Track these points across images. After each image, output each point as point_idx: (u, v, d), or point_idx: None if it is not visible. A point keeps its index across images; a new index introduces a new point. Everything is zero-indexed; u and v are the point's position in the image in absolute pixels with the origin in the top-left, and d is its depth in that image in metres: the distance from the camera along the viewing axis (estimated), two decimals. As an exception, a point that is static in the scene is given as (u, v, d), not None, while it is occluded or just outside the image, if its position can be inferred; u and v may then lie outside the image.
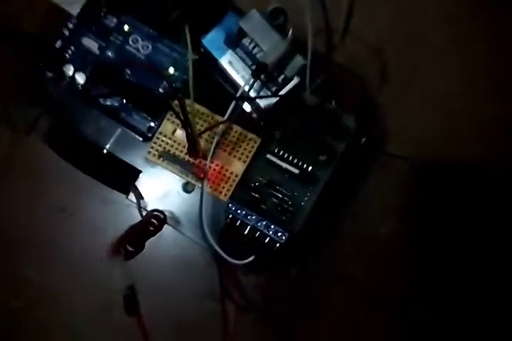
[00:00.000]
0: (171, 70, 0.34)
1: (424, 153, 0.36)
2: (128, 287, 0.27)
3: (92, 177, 0.34)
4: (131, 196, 0.34)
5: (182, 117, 0.28)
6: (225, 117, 0.32)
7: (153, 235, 0.32)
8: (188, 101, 0.28)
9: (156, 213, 0.33)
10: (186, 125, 0.28)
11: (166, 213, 0.33)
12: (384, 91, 0.37)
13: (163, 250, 0.37)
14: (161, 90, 0.34)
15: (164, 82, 0.33)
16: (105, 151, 0.34)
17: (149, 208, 0.34)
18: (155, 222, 0.32)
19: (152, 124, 0.34)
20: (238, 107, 0.32)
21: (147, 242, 0.33)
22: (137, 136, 0.34)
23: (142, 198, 0.34)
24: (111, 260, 0.27)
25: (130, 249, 0.30)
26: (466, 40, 0.37)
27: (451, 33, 0.37)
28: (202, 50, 0.33)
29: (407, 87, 0.37)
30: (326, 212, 0.34)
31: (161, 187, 0.34)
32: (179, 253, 0.36)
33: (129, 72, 0.34)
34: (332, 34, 0.36)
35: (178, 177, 0.34)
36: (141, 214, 0.33)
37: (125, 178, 0.34)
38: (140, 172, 0.34)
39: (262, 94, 0.32)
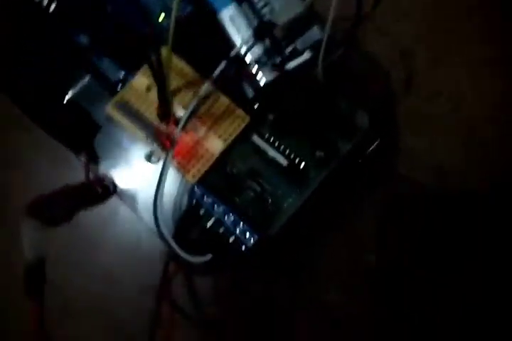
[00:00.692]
0: (161, 17, 0.27)
1: (437, 180, 0.31)
2: (35, 258, 0.22)
3: (44, 130, 0.29)
4: (83, 156, 0.28)
5: (155, 68, 0.23)
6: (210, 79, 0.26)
7: (91, 205, 0.27)
8: (164, 51, 0.23)
9: (102, 179, 0.27)
10: (158, 78, 0.23)
11: (120, 185, 0.28)
12: (405, 99, 0.32)
13: (113, 231, 0.32)
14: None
15: (148, 28, 0.27)
16: (66, 99, 0.29)
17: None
18: (98, 189, 0.27)
19: (123, 76, 0.28)
20: (229, 71, 0.26)
21: (97, 218, 0.28)
22: (104, 89, 0.28)
23: (95, 161, 0.28)
24: (25, 220, 0.22)
25: (54, 212, 0.24)
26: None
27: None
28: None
29: (430, 101, 0.32)
30: (309, 222, 0.29)
31: (120, 152, 0.29)
32: (132, 238, 0.32)
33: (110, 8, 0.27)
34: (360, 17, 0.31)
35: (142, 142, 0.28)
36: (87, 179, 0.28)
37: (80, 135, 0.28)
38: (99, 127, 0.28)
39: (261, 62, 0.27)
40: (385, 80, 0.31)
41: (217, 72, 0.26)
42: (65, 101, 0.29)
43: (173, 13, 0.21)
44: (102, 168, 0.29)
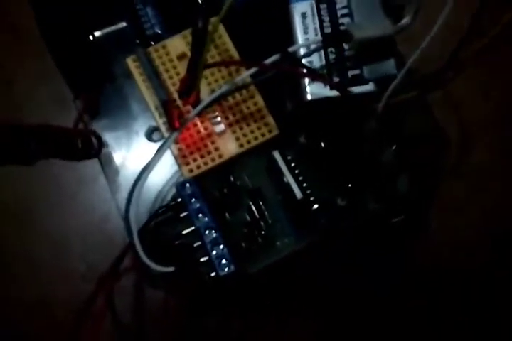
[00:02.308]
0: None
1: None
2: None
3: (54, 59, 0.25)
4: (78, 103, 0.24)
5: (197, 36, 0.20)
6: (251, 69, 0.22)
7: (65, 156, 0.23)
8: (213, 22, 0.20)
9: (89, 135, 0.23)
10: (196, 47, 0.20)
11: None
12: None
13: (85, 196, 0.27)
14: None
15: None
16: (92, 37, 0.25)
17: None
18: (79, 143, 0.23)
19: (161, 32, 0.25)
20: (276, 69, 0.22)
21: (73, 175, 0.25)
22: (135, 39, 0.25)
23: (91, 114, 0.24)
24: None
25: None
26: None
27: None
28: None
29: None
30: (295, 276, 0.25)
31: (123, 116, 0.25)
32: (102, 211, 0.27)
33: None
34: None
35: (149, 114, 0.24)
36: (74, 127, 0.24)
37: (89, 79, 0.25)
38: (113, 79, 0.25)
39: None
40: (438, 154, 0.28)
41: (263, 64, 0.22)
42: (90, 38, 0.25)
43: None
44: (96, 125, 0.25)
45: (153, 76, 0.23)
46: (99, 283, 0.23)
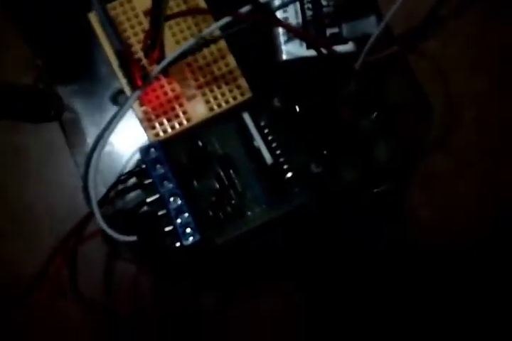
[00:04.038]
0: None
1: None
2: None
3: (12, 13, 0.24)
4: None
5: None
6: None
7: (19, 115, 0.22)
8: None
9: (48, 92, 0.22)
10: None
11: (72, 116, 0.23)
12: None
13: (56, 164, 0.26)
14: None
15: None
16: None
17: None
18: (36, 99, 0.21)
19: None
20: (249, 25, 0.20)
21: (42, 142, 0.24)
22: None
23: (52, 76, 0.23)
24: None
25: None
26: None
27: None
28: None
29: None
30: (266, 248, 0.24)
31: (87, 82, 0.24)
32: (63, 188, 0.25)
33: None
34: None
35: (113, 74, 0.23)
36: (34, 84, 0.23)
37: (49, 36, 0.24)
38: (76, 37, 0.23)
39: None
40: (423, 120, 0.27)
41: (235, 13, 0.20)
42: None
43: None
44: (62, 91, 0.24)
45: (107, 22, 0.21)
46: (57, 246, 0.23)
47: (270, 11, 0.21)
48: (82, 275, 0.25)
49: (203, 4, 0.23)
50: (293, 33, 0.20)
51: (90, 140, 0.23)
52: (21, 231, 0.26)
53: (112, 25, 0.20)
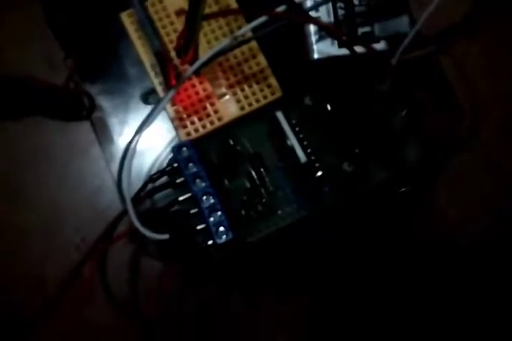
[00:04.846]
0: None
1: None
2: None
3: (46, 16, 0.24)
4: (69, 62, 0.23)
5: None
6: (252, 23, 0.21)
7: (50, 113, 0.22)
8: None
9: (80, 93, 0.23)
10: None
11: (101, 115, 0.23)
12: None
13: (80, 163, 0.26)
14: None
15: None
16: None
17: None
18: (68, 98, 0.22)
19: None
20: (281, 26, 0.20)
21: (68, 141, 0.24)
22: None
23: (83, 76, 0.23)
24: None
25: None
26: None
27: None
28: None
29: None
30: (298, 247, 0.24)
31: (117, 81, 0.24)
32: (97, 179, 0.26)
33: None
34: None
35: (145, 77, 0.23)
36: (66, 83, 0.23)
37: (83, 37, 0.24)
38: (110, 38, 0.24)
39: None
40: (451, 120, 0.27)
41: (269, 12, 0.20)
42: None
43: None
44: (91, 89, 0.24)
45: (147, 23, 0.21)
46: (90, 248, 0.23)
47: (304, 10, 0.21)
48: (109, 276, 0.25)
49: (234, 4, 0.23)
50: (327, 31, 0.20)
51: (118, 138, 0.24)
52: (47, 231, 0.26)
53: (151, 26, 0.20)
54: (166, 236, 0.21)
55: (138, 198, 0.22)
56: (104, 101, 0.24)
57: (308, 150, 0.22)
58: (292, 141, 0.21)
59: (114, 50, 0.24)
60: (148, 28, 0.21)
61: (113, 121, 0.24)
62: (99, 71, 0.24)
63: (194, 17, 0.20)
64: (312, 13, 0.22)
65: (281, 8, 0.19)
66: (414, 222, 0.26)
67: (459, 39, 0.27)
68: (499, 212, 0.27)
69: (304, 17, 0.20)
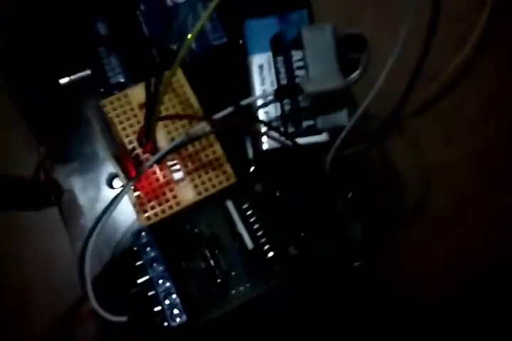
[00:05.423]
0: (189, 36, 0.24)
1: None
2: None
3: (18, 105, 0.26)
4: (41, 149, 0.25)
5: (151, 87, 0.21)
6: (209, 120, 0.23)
7: (20, 206, 0.24)
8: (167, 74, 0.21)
9: (49, 182, 0.24)
10: (150, 97, 0.21)
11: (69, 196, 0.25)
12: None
13: (39, 251, 0.27)
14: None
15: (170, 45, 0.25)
16: (61, 82, 0.26)
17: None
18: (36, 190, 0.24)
19: (124, 82, 0.26)
20: (234, 120, 0.23)
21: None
22: (99, 87, 0.26)
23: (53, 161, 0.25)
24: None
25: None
26: None
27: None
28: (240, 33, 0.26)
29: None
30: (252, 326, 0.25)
31: (85, 164, 0.26)
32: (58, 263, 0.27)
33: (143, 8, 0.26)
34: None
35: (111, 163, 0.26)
36: (35, 173, 0.25)
37: (53, 125, 0.26)
38: (76, 125, 0.26)
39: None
40: (396, 199, 0.29)
41: (219, 114, 0.22)
42: (55, 85, 0.26)
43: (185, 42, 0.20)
44: (61, 170, 0.26)
45: (105, 130, 0.24)
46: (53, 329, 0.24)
47: (252, 109, 0.24)
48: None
49: (193, 99, 0.25)
50: (265, 134, 0.23)
51: (86, 215, 0.25)
52: (18, 304, 0.27)
53: (109, 132, 0.23)
54: (124, 319, 0.22)
55: (98, 281, 0.23)
56: (73, 181, 0.26)
57: (259, 233, 0.24)
58: (240, 228, 0.23)
59: (84, 132, 0.26)
60: (107, 134, 0.23)
61: (81, 199, 0.26)
62: (70, 154, 0.26)
63: (151, 116, 0.22)
64: (262, 108, 0.24)
65: (227, 111, 0.22)
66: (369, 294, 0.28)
67: (407, 116, 0.29)
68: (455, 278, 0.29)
69: (248, 126, 0.23)
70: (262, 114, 0.24)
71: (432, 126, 0.30)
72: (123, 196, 0.23)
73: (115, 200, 0.22)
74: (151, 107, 0.22)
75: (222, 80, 0.26)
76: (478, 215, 0.29)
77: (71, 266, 0.27)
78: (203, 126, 0.23)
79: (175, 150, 0.24)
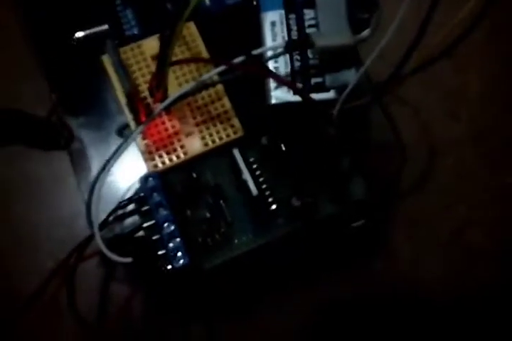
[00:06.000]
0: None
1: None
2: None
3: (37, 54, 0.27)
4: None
5: (165, 38, 0.22)
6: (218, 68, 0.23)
7: (30, 142, 0.25)
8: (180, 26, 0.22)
9: (60, 123, 0.25)
10: (164, 48, 0.22)
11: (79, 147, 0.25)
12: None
13: (58, 191, 0.29)
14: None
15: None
16: (75, 37, 0.27)
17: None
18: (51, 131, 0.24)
19: (138, 34, 0.27)
20: (243, 68, 0.23)
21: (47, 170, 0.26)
22: (115, 38, 0.26)
23: (66, 109, 0.26)
24: None
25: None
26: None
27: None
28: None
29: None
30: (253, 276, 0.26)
31: (97, 116, 0.26)
32: (64, 214, 0.28)
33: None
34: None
35: (119, 110, 0.26)
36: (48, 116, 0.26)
37: (68, 74, 0.26)
38: (90, 77, 0.26)
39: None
40: (399, 162, 0.30)
41: (229, 63, 0.23)
42: (73, 37, 0.27)
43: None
44: (71, 122, 0.26)
45: (120, 67, 0.25)
46: (59, 264, 0.25)
47: (261, 62, 0.24)
48: (79, 294, 0.27)
49: (204, 52, 0.26)
50: (280, 82, 0.23)
51: (95, 168, 0.26)
52: (22, 253, 0.28)
53: (123, 69, 0.23)
54: (129, 260, 0.23)
55: (105, 224, 0.24)
56: (83, 134, 0.27)
57: (264, 186, 0.25)
58: (246, 175, 0.24)
59: (98, 88, 0.27)
60: (120, 70, 0.24)
61: (91, 152, 0.26)
62: (81, 105, 0.27)
63: (164, 62, 0.23)
64: (272, 63, 0.25)
65: (239, 59, 0.22)
66: (371, 258, 0.29)
67: (413, 84, 0.30)
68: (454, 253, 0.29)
69: (259, 69, 0.23)
70: (271, 67, 0.25)
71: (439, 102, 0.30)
72: (133, 140, 0.23)
73: (124, 144, 0.23)
74: (164, 55, 0.22)
75: (234, 38, 0.26)
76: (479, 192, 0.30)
77: (76, 219, 0.28)
78: (212, 73, 0.24)
79: (185, 97, 0.24)
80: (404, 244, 0.29)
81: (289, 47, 0.23)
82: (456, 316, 0.28)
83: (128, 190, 0.26)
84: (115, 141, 0.26)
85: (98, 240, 0.22)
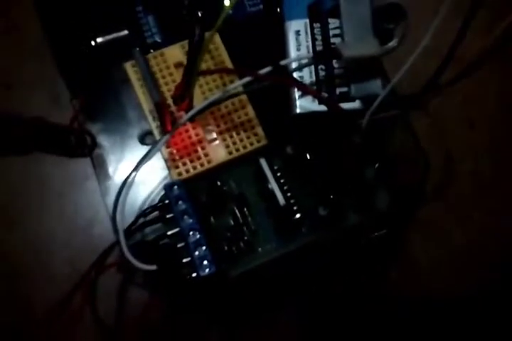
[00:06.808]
0: (227, 1, 0.26)
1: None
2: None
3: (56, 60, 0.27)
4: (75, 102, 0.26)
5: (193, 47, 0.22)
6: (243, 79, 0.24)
7: (56, 150, 0.25)
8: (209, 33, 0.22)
9: (83, 133, 0.25)
10: (191, 57, 0.22)
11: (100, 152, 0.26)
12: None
13: (74, 196, 0.28)
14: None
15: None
16: (94, 43, 0.27)
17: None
18: (73, 139, 0.24)
19: (160, 41, 0.27)
20: (269, 78, 0.23)
21: (64, 175, 0.26)
22: (136, 46, 0.26)
23: (87, 116, 0.26)
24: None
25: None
26: None
27: None
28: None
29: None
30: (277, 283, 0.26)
31: (119, 120, 0.27)
32: (90, 212, 0.28)
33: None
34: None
35: (143, 120, 0.26)
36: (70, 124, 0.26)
37: (89, 81, 0.27)
38: (112, 84, 0.26)
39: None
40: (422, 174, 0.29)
41: (256, 73, 0.23)
42: (92, 44, 0.27)
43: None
44: (92, 128, 0.27)
45: (149, 77, 0.25)
46: (82, 276, 0.25)
47: (287, 72, 0.24)
48: (98, 304, 0.27)
49: (228, 61, 0.26)
50: (305, 92, 0.24)
51: (115, 174, 0.26)
52: (40, 261, 0.28)
53: (151, 79, 0.23)
54: (153, 267, 0.23)
55: (130, 230, 0.24)
56: (103, 140, 0.27)
57: (288, 194, 0.25)
58: (273, 185, 0.24)
59: (117, 94, 0.27)
60: (150, 80, 0.24)
61: (111, 158, 0.27)
62: (101, 112, 0.27)
63: (191, 72, 0.23)
64: (296, 73, 0.25)
65: (266, 70, 0.23)
66: (388, 267, 0.29)
67: (433, 96, 0.30)
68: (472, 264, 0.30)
69: (286, 79, 0.23)
70: (296, 77, 0.25)
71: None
72: (159, 148, 0.24)
73: (150, 152, 0.23)
74: (192, 65, 0.23)
75: (256, 46, 0.27)
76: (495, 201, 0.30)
77: (93, 224, 0.28)
78: (237, 84, 0.24)
79: (209, 108, 0.24)
80: (420, 253, 0.29)
81: (317, 58, 0.24)
82: (472, 328, 0.29)
83: (149, 197, 0.26)
84: (133, 147, 0.27)
85: (124, 248, 0.22)
